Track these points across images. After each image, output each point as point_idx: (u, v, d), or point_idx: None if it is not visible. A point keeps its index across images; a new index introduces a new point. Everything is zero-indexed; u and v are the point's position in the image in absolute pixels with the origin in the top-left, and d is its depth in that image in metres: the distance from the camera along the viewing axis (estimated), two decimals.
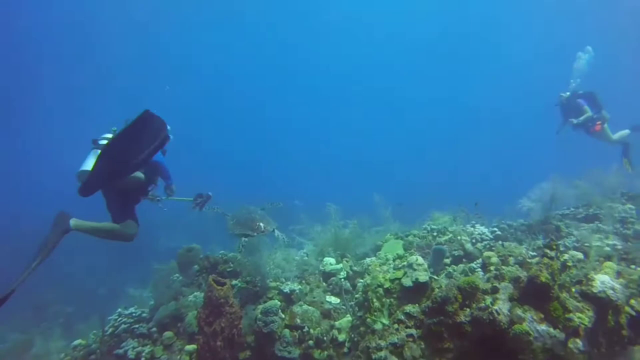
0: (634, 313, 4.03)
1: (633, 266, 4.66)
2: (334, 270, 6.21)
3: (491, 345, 3.59)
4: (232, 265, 6.64)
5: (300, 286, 5.84)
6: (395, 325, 3.88)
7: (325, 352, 4.87)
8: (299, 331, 5.06)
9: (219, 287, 4.64)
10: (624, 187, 7.46)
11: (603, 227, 6.25)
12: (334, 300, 5.70)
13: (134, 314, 6.15)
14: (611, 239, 5.71)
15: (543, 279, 3.44)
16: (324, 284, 6.09)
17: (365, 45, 44.38)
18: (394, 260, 5.63)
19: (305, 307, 5.37)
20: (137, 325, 5.92)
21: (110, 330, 5.90)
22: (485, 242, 6.30)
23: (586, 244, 5.44)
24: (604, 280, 3.71)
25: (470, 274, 4.83)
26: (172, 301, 6.10)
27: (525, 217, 7.20)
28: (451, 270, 5.24)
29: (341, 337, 4.98)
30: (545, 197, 6.97)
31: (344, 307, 5.57)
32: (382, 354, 3.67)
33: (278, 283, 5.91)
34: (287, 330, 4.97)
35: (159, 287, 6.63)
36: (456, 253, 6.01)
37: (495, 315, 3.45)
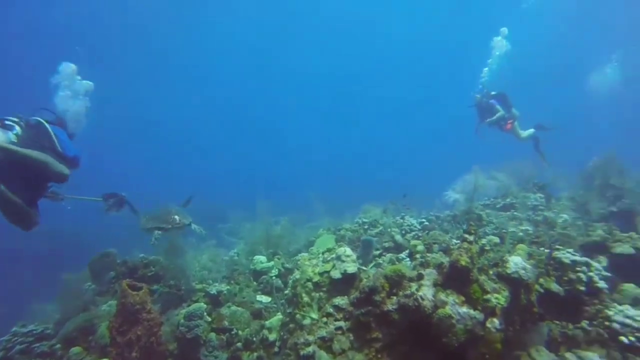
0: (542, 290, 4.46)
1: (542, 248, 5.14)
2: (265, 269, 6.17)
3: (418, 331, 3.77)
4: (153, 269, 6.33)
5: (228, 287, 5.73)
6: (324, 319, 3.94)
7: (255, 354, 4.82)
8: (227, 334, 4.96)
9: (134, 293, 4.40)
10: (535, 178, 8.21)
11: (518, 215, 6.84)
12: (265, 299, 5.66)
13: (34, 332, 5.62)
14: (524, 225, 6.26)
15: (463, 263, 3.67)
16: (255, 283, 6.03)
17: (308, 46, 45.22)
18: (322, 254, 5.71)
19: (233, 308, 5.28)
20: (37, 344, 5.42)
21: (2, 353, 5.32)
22: (414, 233, 6.62)
23: (504, 230, 5.91)
24: (516, 262, 4.04)
25: (397, 263, 5.04)
26: (82, 312, 5.68)
27: (451, 208, 7.66)
28: (380, 261, 5.43)
29: (272, 336, 4.95)
30: (468, 188, 7.45)
31: (275, 305, 5.55)
32: (310, 349, 3.70)
33: (204, 285, 5.74)
34: (213, 334, 4.85)
35: (66, 298, 6.14)
36: (387, 245, 6.25)
37: (420, 301, 3.62)
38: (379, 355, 3.75)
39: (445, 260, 4.00)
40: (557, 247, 5.12)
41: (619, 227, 6.56)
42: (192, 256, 6.01)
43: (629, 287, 5.12)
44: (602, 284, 4.79)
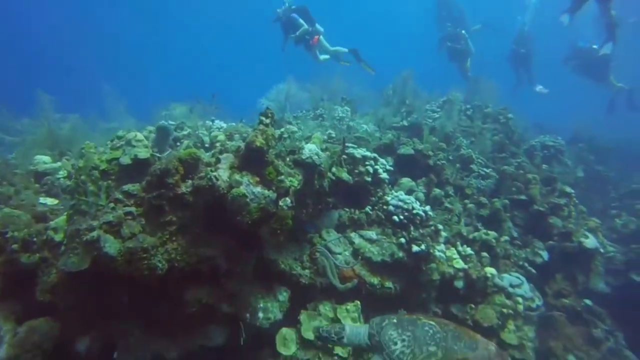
0: (334, 178, 5.02)
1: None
2: (50, 170, 5.48)
3: (213, 212, 3.89)
4: None
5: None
6: (112, 205, 3.73)
7: (37, 255, 4.35)
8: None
9: None
10: (344, 93, 8.94)
11: (325, 124, 7.41)
12: (51, 201, 5.07)
13: None
14: (329, 130, 6.84)
15: (258, 144, 3.84)
16: (37, 185, 5.32)
17: None
18: (111, 141, 5.33)
19: (7, 210, 4.60)
20: None
21: None
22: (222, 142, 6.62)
23: (309, 133, 6.35)
24: (311, 148, 4.43)
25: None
26: None
27: None
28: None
29: (58, 237, 4.50)
30: (281, 97, 7.73)
31: (63, 207, 5.03)
32: (95, 234, 3.49)
33: None
34: None
35: None
36: None
37: (214, 180, 3.70)
38: (173, 238, 3.79)
39: (243, 145, 4.12)
40: (351, 145, 5.76)
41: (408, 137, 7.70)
42: None
43: (406, 181, 6.14)
44: (384, 175, 5.63)
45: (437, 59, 13.38)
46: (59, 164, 5.59)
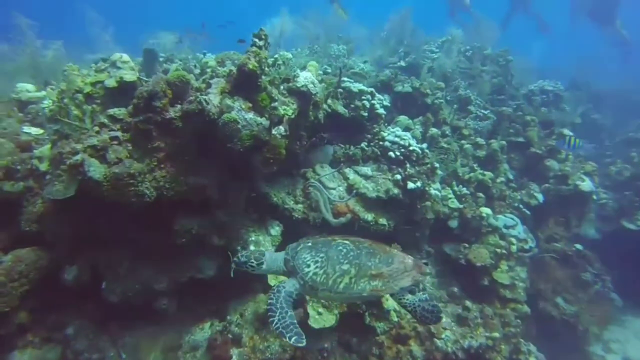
0: (330, 110, 4.81)
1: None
2: (34, 99, 5.18)
3: (203, 138, 3.70)
4: None
5: None
6: (96, 128, 3.51)
7: (21, 184, 4.17)
8: None
9: None
10: (340, 31, 8.56)
11: (321, 60, 7.10)
12: (36, 130, 4.82)
13: None
14: (324, 66, 6.56)
15: (251, 66, 3.60)
16: (20, 113, 5.05)
17: None
18: (95, 64, 5.03)
19: None
20: None
21: None
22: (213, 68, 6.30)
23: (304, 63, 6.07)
24: (306, 76, 4.19)
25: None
26: None
27: None
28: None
29: (43, 166, 4.30)
30: (275, 33, 7.33)
31: (48, 137, 4.79)
32: (79, 157, 3.29)
33: None
34: None
35: None
36: None
37: (205, 104, 3.48)
38: (162, 165, 3.61)
39: (235, 69, 3.87)
40: (348, 79, 5.50)
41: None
42: None
43: (403, 118, 5.95)
44: (381, 111, 5.44)
45: None
46: (43, 92, 5.28)
